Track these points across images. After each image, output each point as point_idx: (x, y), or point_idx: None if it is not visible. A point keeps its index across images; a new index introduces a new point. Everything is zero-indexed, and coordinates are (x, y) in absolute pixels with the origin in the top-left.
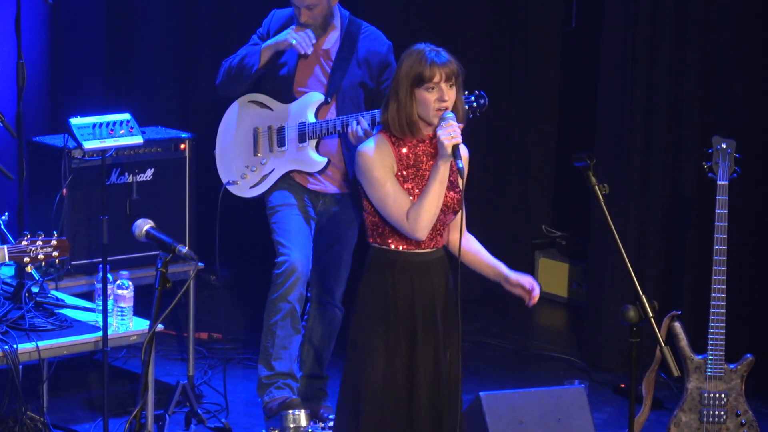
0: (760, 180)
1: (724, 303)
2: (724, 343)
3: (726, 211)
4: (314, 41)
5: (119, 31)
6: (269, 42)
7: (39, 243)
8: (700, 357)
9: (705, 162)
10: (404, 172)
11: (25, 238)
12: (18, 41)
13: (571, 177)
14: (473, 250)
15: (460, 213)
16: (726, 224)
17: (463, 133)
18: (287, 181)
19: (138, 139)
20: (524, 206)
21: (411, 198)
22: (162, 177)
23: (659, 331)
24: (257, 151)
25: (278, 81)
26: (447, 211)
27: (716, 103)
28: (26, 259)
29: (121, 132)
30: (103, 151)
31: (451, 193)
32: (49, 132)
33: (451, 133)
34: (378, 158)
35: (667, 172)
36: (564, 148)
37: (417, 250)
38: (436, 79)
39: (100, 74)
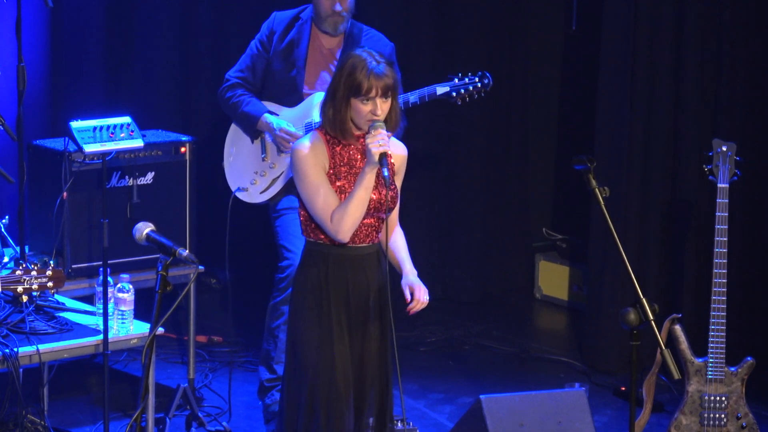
0: (760, 183)
1: (724, 306)
2: (724, 345)
3: (726, 214)
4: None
5: (119, 34)
6: (270, 121)
7: (33, 273)
8: (700, 360)
9: (705, 165)
10: (337, 170)
11: (20, 267)
12: (18, 44)
13: (572, 180)
14: (393, 245)
15: (389, 214)
16: (726, 227)
17: (459, 135)
18: (294, 184)
19: (138, 143)
20: (525, 209)
21: (341, 197)
22: (162, 180)
23: (659, 334)
24: (266, 156)
25: (286, 83)
26: (381, 208)
27: (717, 105)
28: (20, 289)
29: (122, 135)
30: (103, 155)
31: (385, 191)
32: (49, 135)
33: (379, 141)
34: (311, 156)
35: (667, 174)
36: (564, 150)
37: (351, 245)
38: (372, 94)
39: (100, 77)
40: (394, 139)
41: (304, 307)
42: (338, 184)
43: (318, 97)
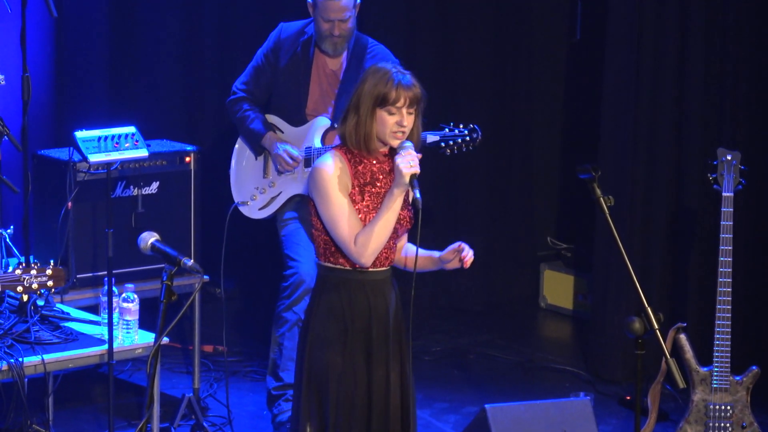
0: (765, 192)
1: (729, 315)
2: (729, 354)
3: (731, 223)
4: (293, 165)
5: (124, 43)
6: (274, 140)
7: (33, 272)
8: (705, 369)
9: (710, 174)
10: (360, 189)
11: (19, 266)
12: (23, 55)
13: (576, 189)
14: (409, 253)
15: (416, 230)
16: (731, 236)
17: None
18: (295, 200)
19: (143, 152)
20: (529, 218)
21: (363, 217)
22: (167, 190)
23: (664, 343)
24: (267, 173)
25: (289, 102)
26: (400, 229)
27: (721, 114)
28: (19, 288)
29: (126, 145)
30: (108, 164)
31: (403, 212)
32: (54, 145)
33: (410, 162)
34: (335, 176)
35: (671, 183)
36: (569, 159)
37: (371, 269)
38: (399, 104)
39: (105, 87)
40: None
41: (328, 336)
42: (363, 203)
43: (321, 122)
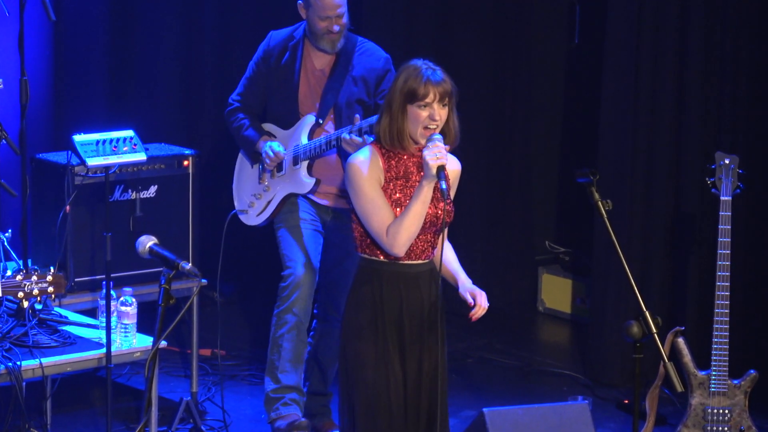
0: (763, 196)
1: (727, 318)
2: (727, 358)
3: (729, 227)
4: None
5: (122, 47)
6: (264, 142)
7: (34, 278)
8: (703, 373)
9: (708, 178)
10: (393, 183)
11: (20, 272)
12: (21, 58)
13: (575, 193)
14: (444, 258)
15: (444, 228)
16: (729, 240)
17: (463, 148)
18: (290, 199)
19: (141, 156)
20: (527, 222)
21: (396, 211)
22: (165, 194)
23: (663, 347)
24: (262, 178)
25: (282, 107)
26: (437, 223)
27: (720, 118)
28: (20, 294)
29: (125, 149)
30: (106, 168)
31: (441, 204)
32: (52, 149)
33: (436, 154)
34: (366, 170)
35: (670, 187)
36: (567, 164)
37: (407, 261)
38: (429, 99)
39: (103, 91)
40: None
41: (359, 324)
42: (395, 197)
43: (307, 120)
